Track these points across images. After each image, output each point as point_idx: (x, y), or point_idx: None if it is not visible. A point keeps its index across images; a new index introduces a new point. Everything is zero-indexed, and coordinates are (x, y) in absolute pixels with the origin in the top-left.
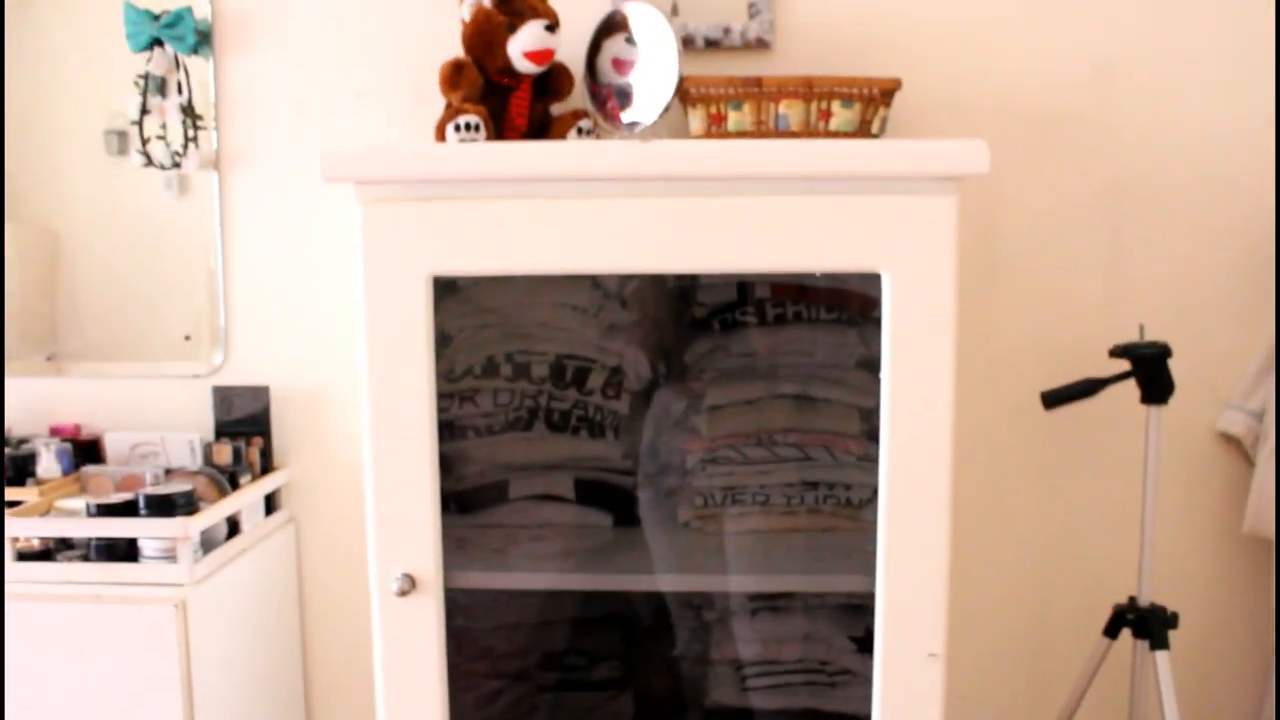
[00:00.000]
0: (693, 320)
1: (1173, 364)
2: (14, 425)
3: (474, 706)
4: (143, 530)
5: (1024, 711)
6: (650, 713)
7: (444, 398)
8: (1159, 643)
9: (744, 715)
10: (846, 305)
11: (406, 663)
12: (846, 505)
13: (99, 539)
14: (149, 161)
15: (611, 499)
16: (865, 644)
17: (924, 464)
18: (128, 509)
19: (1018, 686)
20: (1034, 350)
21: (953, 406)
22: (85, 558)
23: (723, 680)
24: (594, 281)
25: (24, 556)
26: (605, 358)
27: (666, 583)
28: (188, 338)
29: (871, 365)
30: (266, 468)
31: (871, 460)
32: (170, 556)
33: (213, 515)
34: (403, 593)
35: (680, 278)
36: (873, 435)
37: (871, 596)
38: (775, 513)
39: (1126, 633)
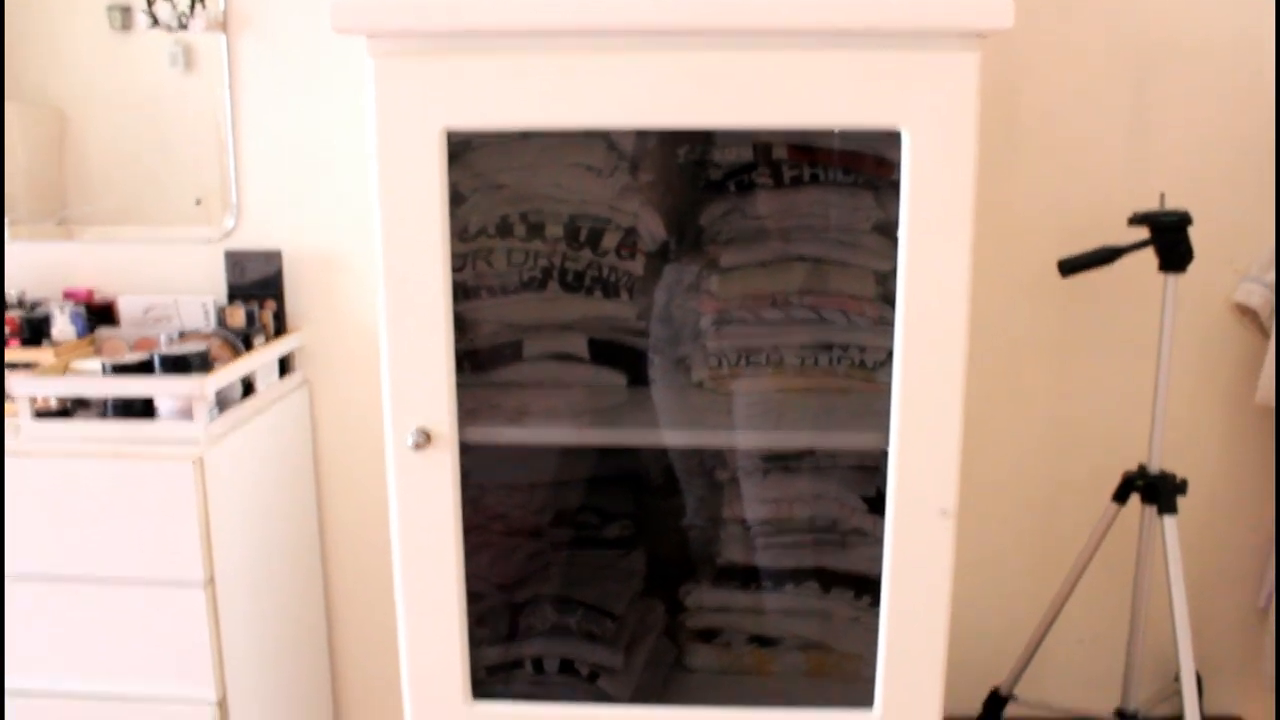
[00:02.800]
0: (708, 182)
1: (1191, 234)
2: (27, 289)
3: (488, 563)
4: (159, 388)
5: (1033, 574)
6: (661, 571)
7: (458, 257)
8: (1167, 508)
9: (754, 574)
10: (864, 168)
11: (422, 518)
12: (860, 367)
13: (116, 398)
14: (155, 23)
15: (625, 359)
16: (876, 504)
17: (940, 323)
18: (143, 368)
19: (1027, 550)
20: (1052, 218)
21: (970, 265)
22: (103, 416)
23: (734, 539)
24: (609, 142)
25: (45, 415)
26: (620, 218)
27: (679, 439)
28: (199, 202)
29: (888, 229)
30: (280, 331)
31: (886, 323)
32: (186, 415)
33: (228, 374)
34: (418, 446)
35: (696, 139)
36: (888, 298)
37: (883, 457)
38: (789, 374)
39: (1135, 499)
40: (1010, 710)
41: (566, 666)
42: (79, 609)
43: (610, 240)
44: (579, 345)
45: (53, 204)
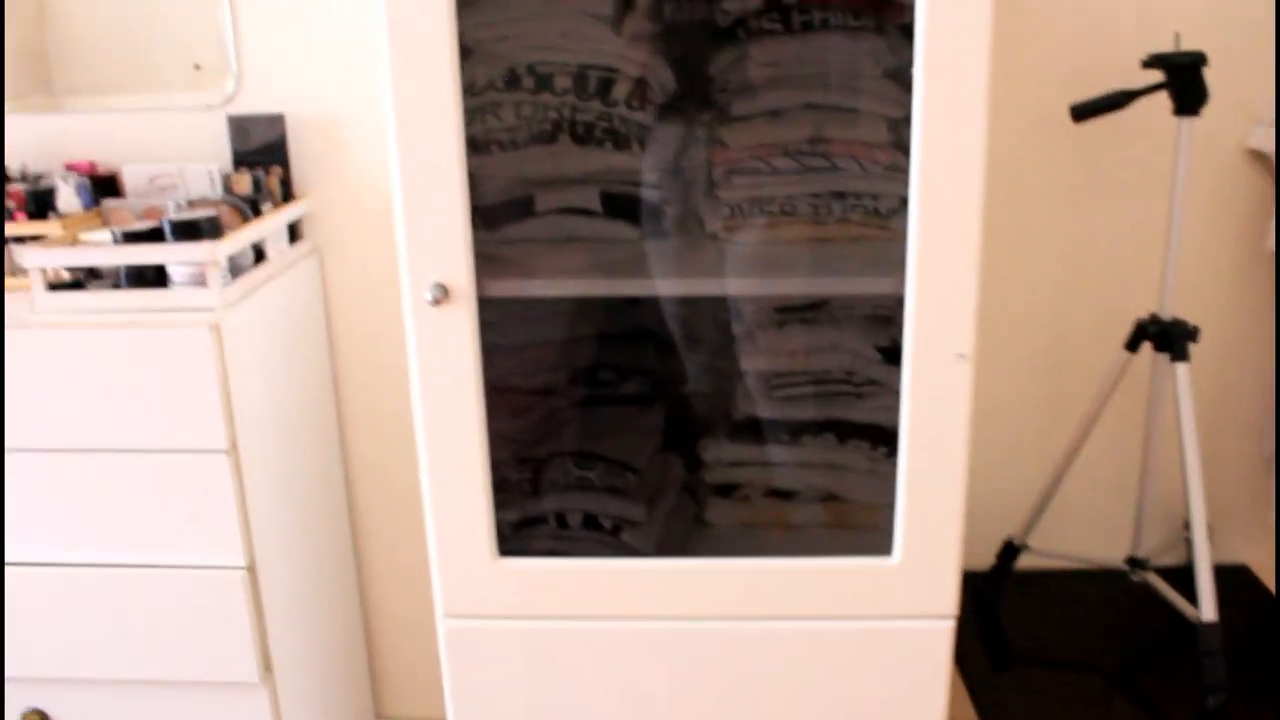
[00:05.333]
0: (717, 29)
1: (1206, 77)
2: (28, 162)
3: (508, 421)
4: (171, 255)
5: (1044, 422)
6: (679, 425)
7: (466, 112)
8: (1179, 355)
9: (771, 426)
10: (874, 11)
11: (443, 375)
12: (875, 215)
13: (128, 266)
14: None
15: (638, 212)
16: (892, 355)
17: (956, 164)
18: (154, 236)
19: (1039, 398)
20: (1064, 61)
21: (986, 104)
22: (116, 286)
23: (750, 393)
24: None
25: (54, 288)
26: (628, 68)
27: (693, 290)
28: (198, 67)
29: (901, 75)
30: (287, 197)
31: (900, 170)
32: (199, 282)
33: (240, 240)
34: (437, 302)
35: None
36: (901, 145)
37: (899, 305)
38: (803, 222)
39: (1147, 347)
40: (1024, 560)
41: (590, 521)
42: (103, 481)
43: (620, 91)
44: (591, 199)
45: (40, 73)
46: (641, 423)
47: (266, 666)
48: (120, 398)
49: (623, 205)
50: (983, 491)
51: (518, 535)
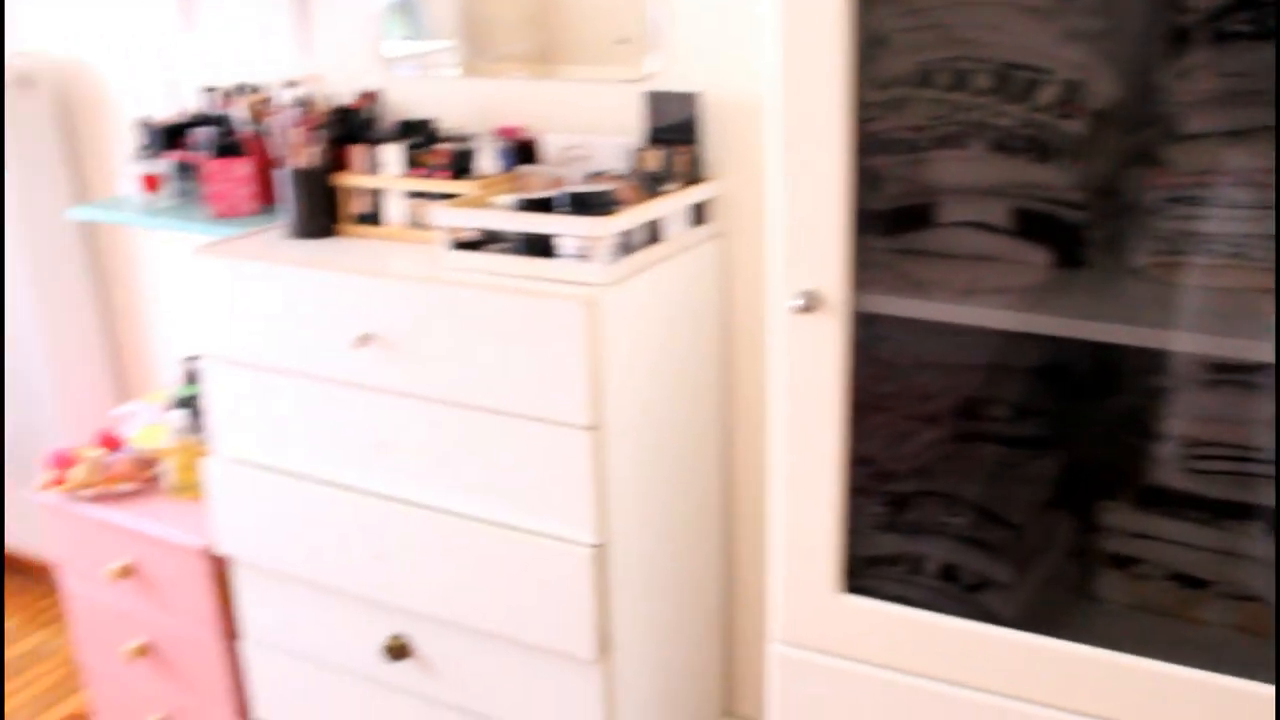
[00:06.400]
0: (1175, 29)
1: None
2: (464, 124)
3: (876, 446)
4: (560, 226)
5: None
6: (1075, 481)
7: (871, 106)
8: None
9: (1187, 500)
10: None
11: (804, 387)
12: None
13: (523, 233)
14: None
15: (1054, 234)
16: None
17: None
18: (547, 205)
19: None
20: None
21: None
22: (513, 251)
23: (1167, 457)
24: None
25: (461, 245)
26: (1062, 69)
27: (1110, 333)
28: (623, 41)
29: None
30: (696, 178)
31: None
32: (585, 255)
33: (631, 218)
34: (805, 310)
35: None
36: None
37: None
38: (1254, 269)
39: None
40: None
41: (948, 573)
42: (476, 437)
43: (1048, 94)
44: (999, 213)
45: (485, 42)
46: (1028, 471)
47: (605, 646)
48: (500, 360)
49: (1036, 225)
50: None
51: (865, 572)
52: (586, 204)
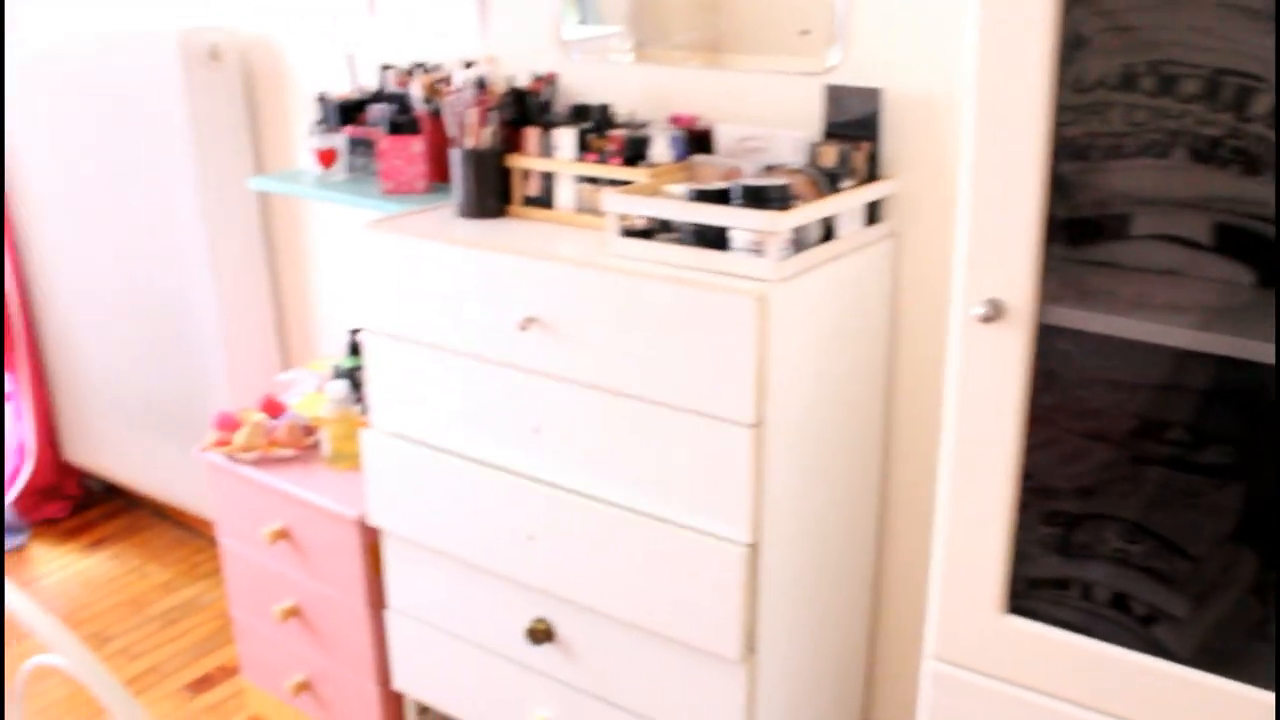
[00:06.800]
0: None
1: None
2: (636, 110)
3: (1050, 463)
4: (733, 219)
5: None
6: (1263, 514)
7: (1068, 110)
8: None
9: None
10: None
11: (982, 399)
12: None
13: (694, 224)
14: None
15: (1259, 252)
16: None
17: None
18: (721, 197)
19: None
20: None
21: None
22: (681, 241)
23: None
24: None
25: (630, 233)
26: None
27: None
28: (805, 33)
29: None
30: (873, 175)
31: None
32: (757, 250)
33: (805, 214)
34: (986, 319)
35: None
36: None
37: None
38: None
39: None
40: None
41: (1119, 601)
42: (634, 427)
43: (1262, 104)
44: (1201, 229)
45: (659, 28)
46: (1212, 501)
47: (750, 647)
48: (663, 351)
49: (1241, 242)
50: None
51: (1030, 594)
52: (762, 198)
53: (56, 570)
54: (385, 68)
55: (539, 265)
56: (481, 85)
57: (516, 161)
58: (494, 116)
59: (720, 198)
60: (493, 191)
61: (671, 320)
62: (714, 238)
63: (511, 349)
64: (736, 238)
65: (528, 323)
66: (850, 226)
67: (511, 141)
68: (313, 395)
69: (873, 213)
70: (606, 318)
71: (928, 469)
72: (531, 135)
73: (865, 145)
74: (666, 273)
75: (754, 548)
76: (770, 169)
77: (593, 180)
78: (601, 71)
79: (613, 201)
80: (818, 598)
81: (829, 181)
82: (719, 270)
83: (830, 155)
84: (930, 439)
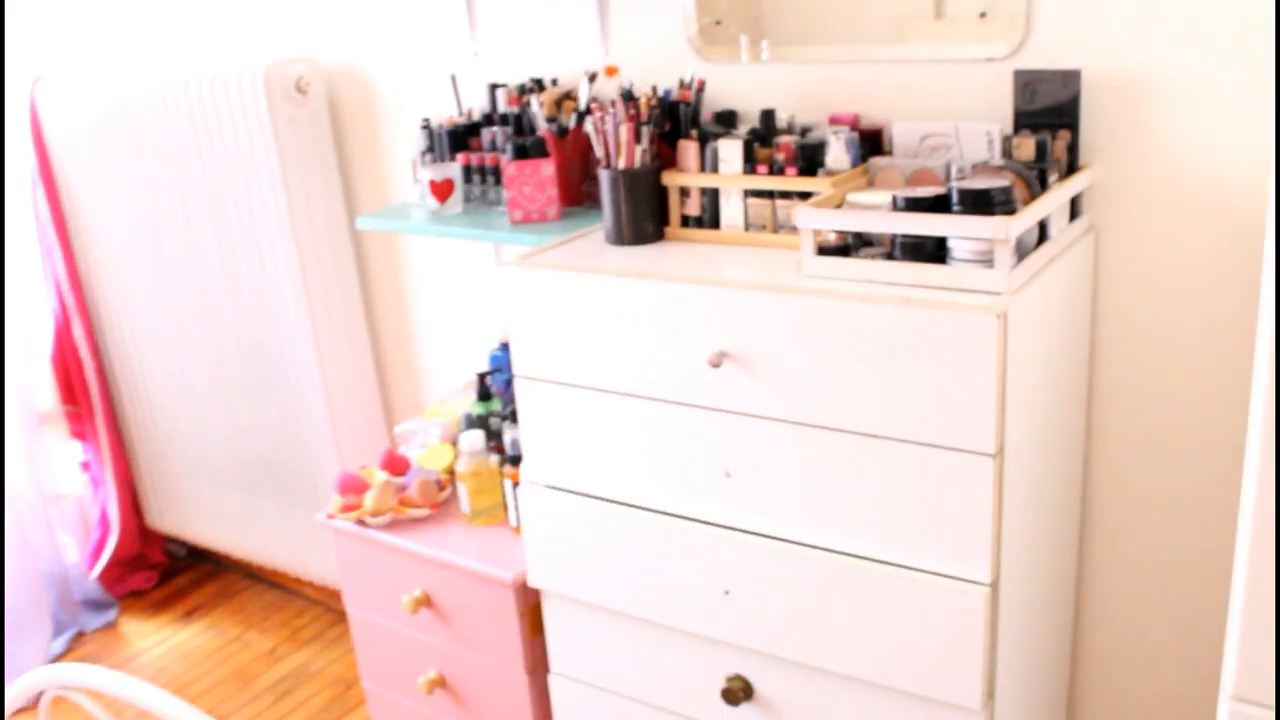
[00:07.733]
0: None
1: None
2: (795, 113)
3: None
4: (954, 227)
5: None
6: None
7: None
8: None
9: None
10: None
11: None
12: None
13: (905, 236)
14: None
15: None
16: None
17: None
18: (937, 204)
19: None
20: None
21: None
22: (889, 256)
23: None
24: None
25: (824, 250)
26: None
27: None
28: (983, 15)
29: None
30: (1072, 166)
31: None
32: (983, 260)
33: (1028, 217)
34: None
35: None
36: None
37: None
38: None
39: None
40: None
41: None
42: (850, 465)
43: None
44: None
45: (801, 25)
46: None
47: (989, 693)
48: (884, 380)
49: None
50: None
51: None
52: (986, 202)
53: (153, 645)
54: (495, 86)
55: (730, 294)
56: (629, 97)
57: (675, 179)
58: (646, 132)
59: (935, 205)
60: (648, 214)
61: (893, 345)
62: (927, 250)
63: (697, 387)
64: (957, 248)
65: (720, 357)
66: (1059, 224)
67: (662, 157)
68: (436, 446)
69: (1073, 206)
70: (807, 347)
71: (1132, 489)
72: (689, 149)
73: (1064, 134)
74: (879, 292)
75: (994, 586)
76: (981, 168)
77: (762, 194)
78: (737, 72)
79: (808, 217)
80: (1042, 632)
81: (1034, 177)
82: (941, 285)
83: (1027, 148)
84: (1137, 441)
